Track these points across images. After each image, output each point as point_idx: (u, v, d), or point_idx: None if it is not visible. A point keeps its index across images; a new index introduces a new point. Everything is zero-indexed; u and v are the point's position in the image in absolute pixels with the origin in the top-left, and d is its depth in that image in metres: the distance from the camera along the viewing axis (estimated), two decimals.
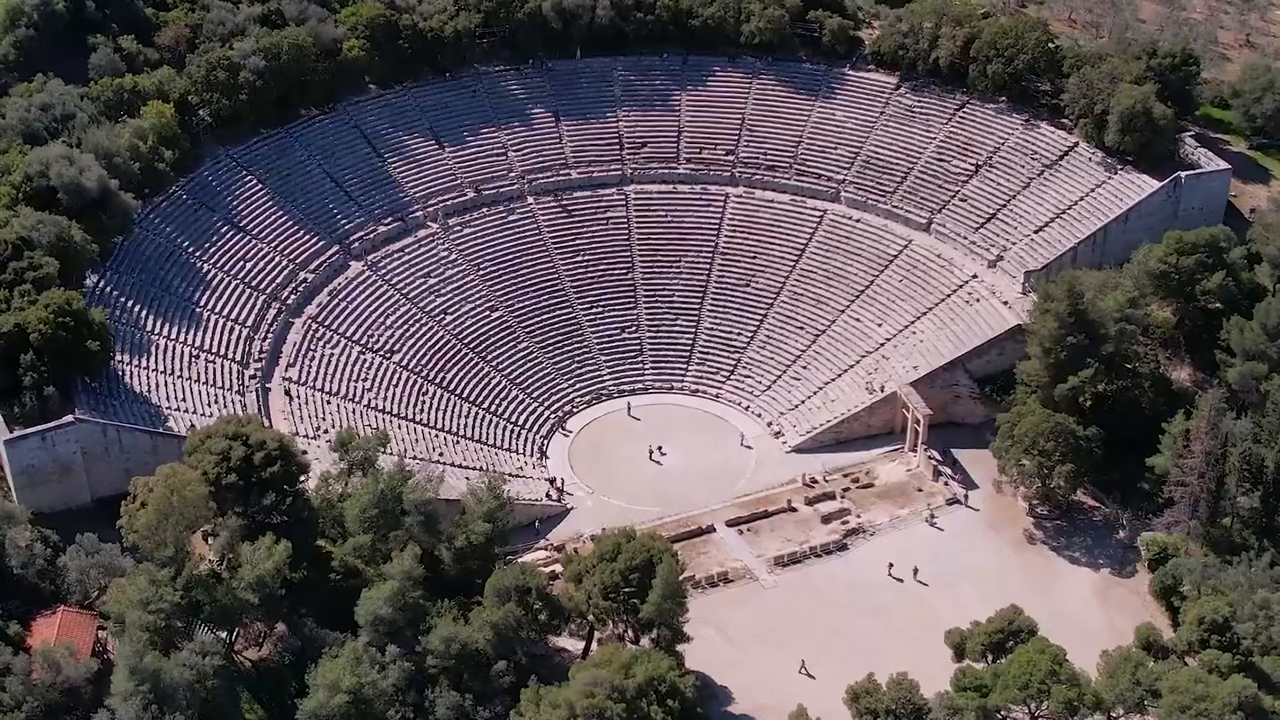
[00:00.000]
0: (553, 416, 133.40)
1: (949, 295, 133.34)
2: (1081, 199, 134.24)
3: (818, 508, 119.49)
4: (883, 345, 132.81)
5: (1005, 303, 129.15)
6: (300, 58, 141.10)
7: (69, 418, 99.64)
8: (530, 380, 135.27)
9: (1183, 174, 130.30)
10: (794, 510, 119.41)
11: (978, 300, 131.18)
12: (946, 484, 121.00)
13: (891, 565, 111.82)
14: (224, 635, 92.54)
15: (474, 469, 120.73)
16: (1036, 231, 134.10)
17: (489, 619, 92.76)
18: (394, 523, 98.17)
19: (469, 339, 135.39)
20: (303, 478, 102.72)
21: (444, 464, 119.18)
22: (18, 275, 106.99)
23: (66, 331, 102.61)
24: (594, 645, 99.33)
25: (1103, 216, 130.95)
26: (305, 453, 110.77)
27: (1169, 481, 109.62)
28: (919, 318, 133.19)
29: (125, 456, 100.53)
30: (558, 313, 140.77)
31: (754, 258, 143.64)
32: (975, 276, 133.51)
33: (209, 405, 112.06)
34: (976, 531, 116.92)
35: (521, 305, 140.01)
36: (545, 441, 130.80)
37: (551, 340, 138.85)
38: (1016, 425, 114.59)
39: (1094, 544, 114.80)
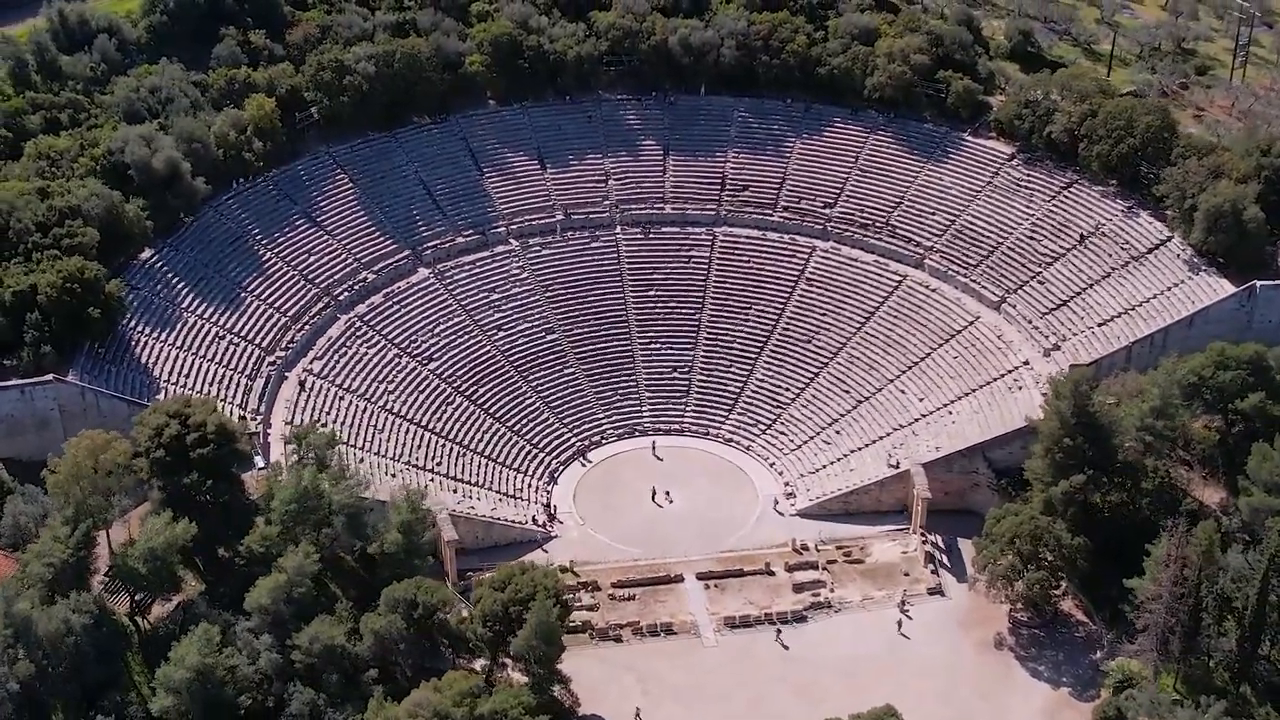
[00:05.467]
0: (578, 444, 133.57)
1: (996, 379, 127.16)
2: (1155, 296, 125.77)
3: (794, 575, 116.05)
4: (917, 421, 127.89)
5: (1045, 394, 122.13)
6: (413, 67, 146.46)
7: (49, 376, 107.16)
8: (566, 406, 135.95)
9: (1259, 283, 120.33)
10: (770, 574, 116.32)
11: (1020, 388, 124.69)
12: (935, 572, 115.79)
13: (779, 631, 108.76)
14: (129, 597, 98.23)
15: (466, 482, 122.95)
16: (1101, 324, 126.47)
17: (373, 626, 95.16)
18: (323, 520, 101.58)
19: (515, 357, 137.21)
20: (261, 465, 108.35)
21: (433, 473, 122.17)
22: (55, 241, 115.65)
23: (72, 297, 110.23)
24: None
25: (1168, 317, 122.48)
26: (287, 442, 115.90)
27: (1140, 607, 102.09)
28: (960, 397, 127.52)
29: (102, 419, 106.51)
30: (615, 343, 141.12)
31: (823, 315, 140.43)
32: (1026, 363, 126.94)
33: (210, 384, 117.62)
34: (945, 626, 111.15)
35: (580, 331, 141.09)
36: (561, 468, 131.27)
37: (600, 370, 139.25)
38: (998, 523, 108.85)
39: (1065, 660, 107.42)
